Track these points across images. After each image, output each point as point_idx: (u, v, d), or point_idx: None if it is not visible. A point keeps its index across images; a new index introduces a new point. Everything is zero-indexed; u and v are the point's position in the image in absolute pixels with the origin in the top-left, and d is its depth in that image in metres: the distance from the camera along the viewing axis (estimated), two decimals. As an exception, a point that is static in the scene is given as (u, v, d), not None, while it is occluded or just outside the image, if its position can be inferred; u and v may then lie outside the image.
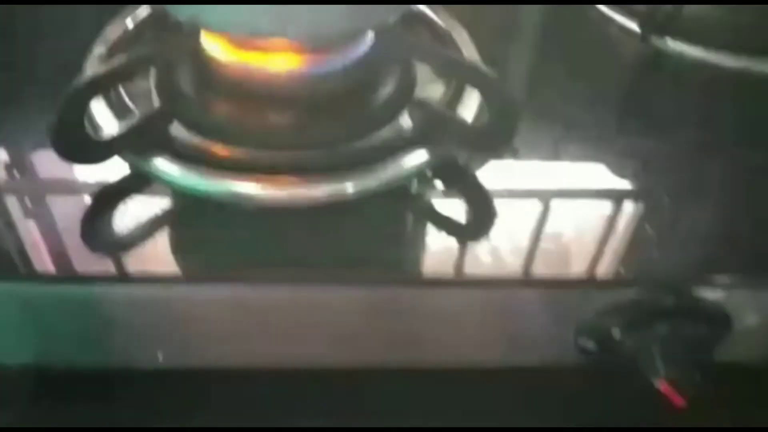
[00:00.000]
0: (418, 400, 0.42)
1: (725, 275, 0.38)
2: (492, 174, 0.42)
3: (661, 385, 0.37)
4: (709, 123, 0.47)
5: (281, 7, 0.36)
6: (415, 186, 0.41)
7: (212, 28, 0.39)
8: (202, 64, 0.43)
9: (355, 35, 0.41)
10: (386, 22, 0.40)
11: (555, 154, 0.44)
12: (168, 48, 0.40)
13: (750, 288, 0.39)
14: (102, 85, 0.39)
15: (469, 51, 0.48)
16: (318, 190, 0.39)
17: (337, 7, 0.36)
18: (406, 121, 0.42)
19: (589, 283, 0.38)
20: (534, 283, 0.38)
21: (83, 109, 0.37)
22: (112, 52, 0.45)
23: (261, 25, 0.36)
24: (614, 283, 0.38)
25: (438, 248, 0.39)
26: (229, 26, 0.37)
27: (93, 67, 0.43)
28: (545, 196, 0.41)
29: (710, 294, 0.38)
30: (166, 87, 0.43)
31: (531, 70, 0.53)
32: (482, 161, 0.42)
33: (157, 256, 0.38)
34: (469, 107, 0.42)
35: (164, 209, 0.40)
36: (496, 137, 0.39)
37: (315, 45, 0.39)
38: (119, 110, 0.41)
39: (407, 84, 0.45)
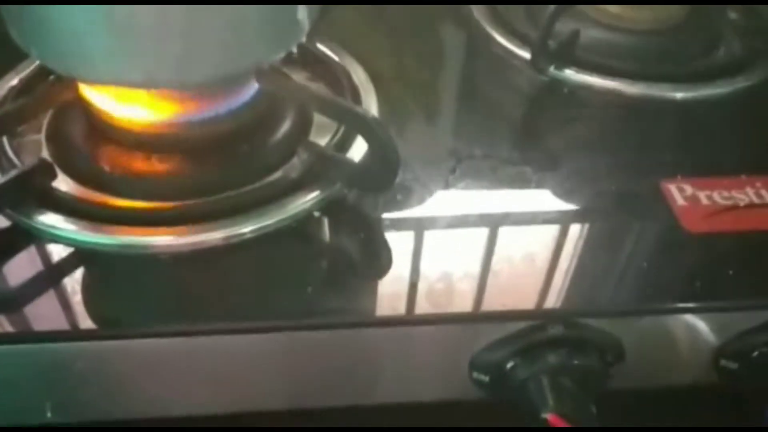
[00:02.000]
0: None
1: (616, 304, 0.39)
2: (382, 210, 0.42)
3: (550, 417, 0.37)
4: (604, 149, 0.48)
5: (149, 57, 0.36)
6: (311, 225, 0.41)
7: (87, 81, 0.39)
8: (90, 114, 0.42)
9: (237, 80, 0.41)
10: (264, 65, 0.40)
11: (446, 185, 0.44)
12: (44, 100, 0.40)
13: (639, 316, 0.39)
14: None
15: (362, 83, 0.48)
16: (209, 236, 0.39)
17: (206, 53, 0.36)
18: (296, 162, 0.42)
19: (479, 316, 0.38)
20: (425, 320, 0.38)
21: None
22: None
23: (131, 76, 0.36)
24: (504, 315, 0.38)
25: (336, 286, 0.39)
26: (101, 78, 0.37)
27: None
28: (435, 231, 0.41)
29: (601, 323, 0.39)
30: (55, 138, 0.43)
31: (427, 100, 0.53)
32: (372, 198, 0.42)
33: (45, 312, 0.38)
34: (361, 147, 0.43)
35: (53, 264, 0.40)
36: (380, 177, 0.39)
37: (193, 92, 0.39)
38: (2, 163, 0.41)
39: (302, 125, 0.45)
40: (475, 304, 0.38)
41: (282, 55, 0.40)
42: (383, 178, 0.39)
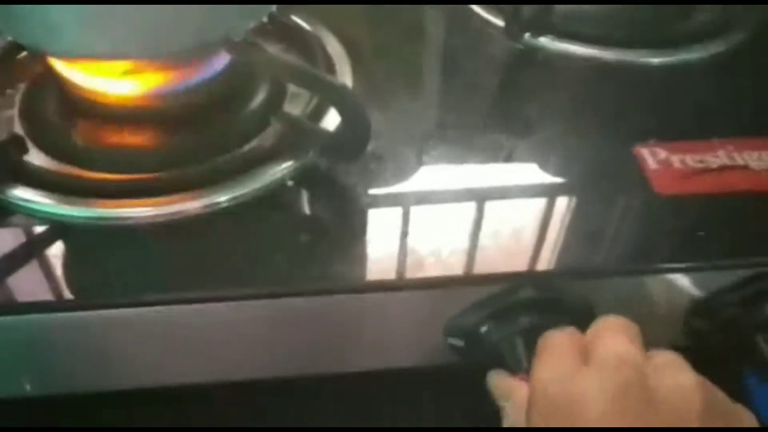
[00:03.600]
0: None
1: (587, 265, 0.39)
2: (356, 179, 0.42)
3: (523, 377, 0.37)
4: (578, 115, 0.48)
5: (117, 30, 0.36)
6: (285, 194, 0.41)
7: (57, 56, 0.39)
8: (62, 88, 0.42)
9: (208, 51, 0.41)
10: (235, 37, 0.40)
11: (418, 157, 0.44)
12: (14, 74, 0.40)
13: (611, 277, 0.39)
14: None
15: (337, 54, 0.48)
16: (185, 206, 0.39)
17: (175, 24, 0.36)
18: (270, 132, 0.42)
19: (454, 281, 0.39)
20: (400, 286, 0.38)
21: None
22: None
23: (100, 49, 0.36)
24: (477, 279, 0.39)
25: (311, 255, 0.39)
26: (70, 52, 0.37)
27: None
28: (407, 201, 0.41)
29: (572, 285, 0.39)
30: (28, 114, 0.43)
31: (402, 70, 0.53)
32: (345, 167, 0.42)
33: (24, 286, 0.38)
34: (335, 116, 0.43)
35: (30, 238, 0.40)
36: (351, 145, 0.39)
37: (164, 64, 0.39)
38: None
39: (276, 96, 0.45)
40: (447, 269, 0.39)
41: (252, 25, 0.40)
42: (354, 146, 0.40)
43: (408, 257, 0.39)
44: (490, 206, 0.42)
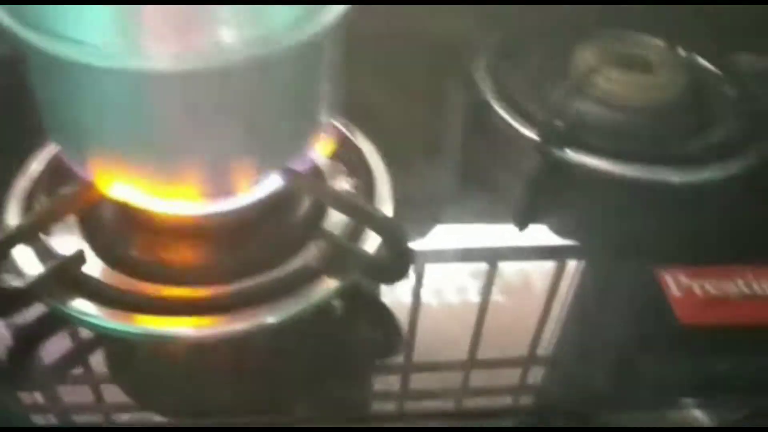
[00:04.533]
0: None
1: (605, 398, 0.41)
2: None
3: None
4: (597, 229, 0.51)
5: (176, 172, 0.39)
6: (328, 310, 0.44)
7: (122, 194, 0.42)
8: (119, 202, 0.45)
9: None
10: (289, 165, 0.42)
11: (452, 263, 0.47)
12: (72, 202, 0.43)
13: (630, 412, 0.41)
14: (14, 243, 0.41)
15: (376, 165, 0.51)
16: (233, 326, 0.41)
17: (234, 165, 0.39)
18: (313, 250, 0.45)
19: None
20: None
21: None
22: (30, 195, 0.48)
23: (162, 192, 0.39)
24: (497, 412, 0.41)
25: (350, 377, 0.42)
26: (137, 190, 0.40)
27: (11, 214, 0.46)
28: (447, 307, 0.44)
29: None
30: (88, 223, 0.45)
31: (432, 174, 0.56)
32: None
33: (73, 397, 0.40)
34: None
35: (85, 349, 0.42)
36: (393, 271, 0.42)
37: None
38: (40, 252, 0.43)
39: (317, 210, 0.47)
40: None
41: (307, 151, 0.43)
42: (397, 272, 0.42)
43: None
44: (507, 326, 0.44)
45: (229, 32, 0.35)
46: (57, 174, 0.48)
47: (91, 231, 0.45)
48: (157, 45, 0.35)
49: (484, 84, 0.61)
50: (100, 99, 0.37)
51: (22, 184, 0.48)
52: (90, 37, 0.35)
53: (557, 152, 0.54)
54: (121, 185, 0.41)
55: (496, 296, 0.45)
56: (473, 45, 0.64)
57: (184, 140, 0.38)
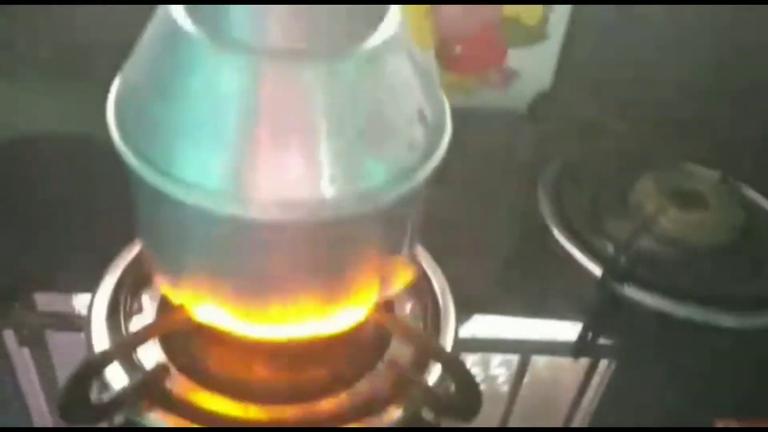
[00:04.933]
0: None
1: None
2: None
3: None
4: (651, 375, 0.53)
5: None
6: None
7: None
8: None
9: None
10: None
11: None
12: (164, 326, 0.45)
13: None
14: (106, 363, 0.44)
15: (440, 288, 0.53)
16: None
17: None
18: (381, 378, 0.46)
19: None
20: None
21: (88, 386, 0.41)
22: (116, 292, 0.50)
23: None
24: None
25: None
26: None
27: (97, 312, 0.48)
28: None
29: None
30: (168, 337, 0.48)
31: (490, 301, 0.58)
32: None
33: None
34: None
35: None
36: (463, 409, 0.44)
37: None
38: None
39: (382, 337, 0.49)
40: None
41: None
42: (467, 410, 0.43)
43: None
44: None
45: (331, 188, 0.37)
46: (142, 272, 0.50)
47: (171, 346, 0.47)
48: (263, 194, 0.37)
49: (544, 207, 0.63)
50: (200, 236, 0.40)
51: (108, 281, 0.51)
52: (201, 180, 0.37)
53: (618, 288, 0.56)
54: (208, 310, 0.43)
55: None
56: (537, 164, 0.67)
57: (278, 281, 0.41)
